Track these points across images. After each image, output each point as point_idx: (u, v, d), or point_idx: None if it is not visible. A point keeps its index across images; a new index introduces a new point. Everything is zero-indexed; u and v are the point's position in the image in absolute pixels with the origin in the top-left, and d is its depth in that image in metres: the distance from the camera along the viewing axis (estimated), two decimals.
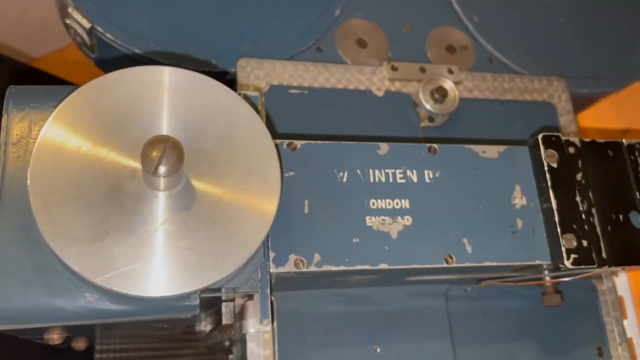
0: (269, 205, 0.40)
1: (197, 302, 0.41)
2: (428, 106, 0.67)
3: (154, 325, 0.44)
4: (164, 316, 0.40)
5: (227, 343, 0.59)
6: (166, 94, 0.40)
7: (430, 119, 0.68)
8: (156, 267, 0.37)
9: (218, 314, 0.56)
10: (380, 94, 0.68)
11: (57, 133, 0.38)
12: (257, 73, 0.64)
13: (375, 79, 0.69)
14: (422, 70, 0.71)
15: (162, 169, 0.35)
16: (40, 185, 0.37)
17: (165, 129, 0.39)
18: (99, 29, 0.64)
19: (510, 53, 0.77)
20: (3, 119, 0.42)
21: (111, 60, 0.69)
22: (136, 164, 0.39)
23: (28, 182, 0.37)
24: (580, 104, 0.82)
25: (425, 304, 0.60)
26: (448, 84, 0.67)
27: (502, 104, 0.73)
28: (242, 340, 0.56)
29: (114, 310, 0.39)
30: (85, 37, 0.65)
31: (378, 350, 0.58)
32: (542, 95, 0.74)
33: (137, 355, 0.89)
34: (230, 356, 0.57)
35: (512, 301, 0.63)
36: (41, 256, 0.39)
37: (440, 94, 0.67)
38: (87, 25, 0.64)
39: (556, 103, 0.75)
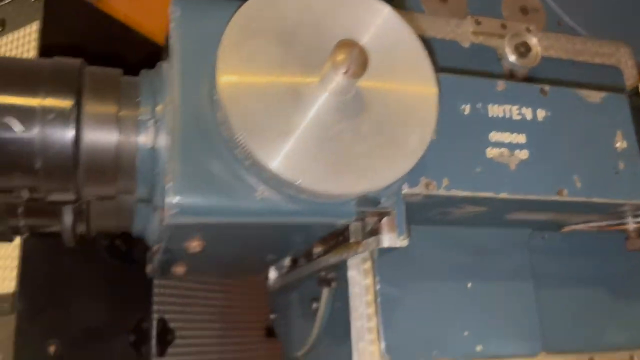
0: (430, 118, 0.42)
1: (355, 208, 0.42)
2: (512, 59, 0.69)
3: (293, 238, 0.45)
4: (323, 220, 0.42)
5: (323, 273, 0.60)
6: (340, 5, 0.42)
7: (512, 73, 0.70)
8: (332, 168, 0.39)
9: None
10: (466, 45, 0.70)
11: (239, 35, 0.39)
12: None
13: (460, 31, 0.71)
14: (504, 26, 0.73)
15: (349, 72, 0.37)
16: (229, 86, 0.38)
17: (340, 38, 0.40)
18: None
19: (579, 17, 0.80)
20: (171, 29, 0.43)
21: None
22: (314, 70, 0.40)
23: (217, 82, 0.38)
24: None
25: (511, 247, 0.63)
26: (532, 40, 0.70)
27: (574, 64, 0.76)
28: (341, 270, 0.58)
29: (283, 209, 0.40)
30: None
31: (469, 285, 0.60)
32: (610, 59, 0.77)
33: (189, 293, 0.91)
34: (333, 284, 0.58)
35: (591, 247, 0.66)
36: (218, 155, 0.40)
37: (524, 49, 0.69)
38: None
39: (623, 68, 0.78)
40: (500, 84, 0.54)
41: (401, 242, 0.46)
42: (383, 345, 0.56)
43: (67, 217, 0.55)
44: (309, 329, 0.66)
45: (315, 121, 0.39)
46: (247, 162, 0.39)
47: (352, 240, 0.50)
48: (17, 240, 0.69)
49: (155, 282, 0.85)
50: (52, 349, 0.70)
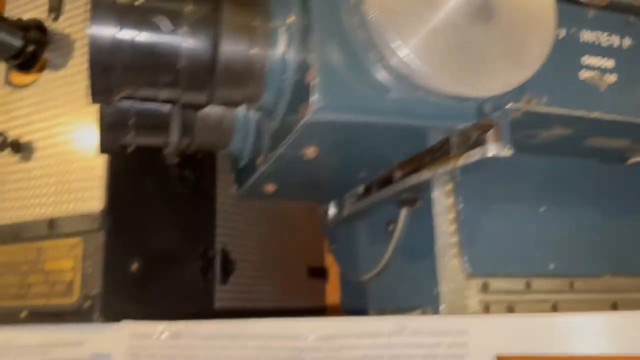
0: (550, 27, 0.46)
1: (475, 113, 0.46)
2: None
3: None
4: (448, 123, 0.45)
5: (404, 195, 0.64)
6: None
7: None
8: (462, 68, 0.42)
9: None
10: None
11: None
12: None
13: None
14: None
15: None
16: None
17: None
18: None
19: None
20: None
21: None
22: None
23: None
24: None
25: (580, 175, 0.67)
26: None
27: (633, 7, 0.78)
28: (423, 192, 0.61)
29: (414, 111, 0.43)
30: None
31: (542, 209, 0.64)
32: None
33: (246, 228, 0.95)
34: (418, 203, 0.62)
35: None
36: (355, 57, 0.43)
37: None
38: None
39: None
40: (591, 12, 0.57)
41: (506, 152, 0.50)
42: (465, 259, 0.59)
43: (175, 130, 0.58)
44: (380, 252, 0.70)
45: (448, 21, 0.42)
46: (383, 62, 0.42)
47: (453, 153, 0.53)
48: (103, 162, 0.72)
49: (218, 213, 0.89)
50: (134, 266, 0.73)
